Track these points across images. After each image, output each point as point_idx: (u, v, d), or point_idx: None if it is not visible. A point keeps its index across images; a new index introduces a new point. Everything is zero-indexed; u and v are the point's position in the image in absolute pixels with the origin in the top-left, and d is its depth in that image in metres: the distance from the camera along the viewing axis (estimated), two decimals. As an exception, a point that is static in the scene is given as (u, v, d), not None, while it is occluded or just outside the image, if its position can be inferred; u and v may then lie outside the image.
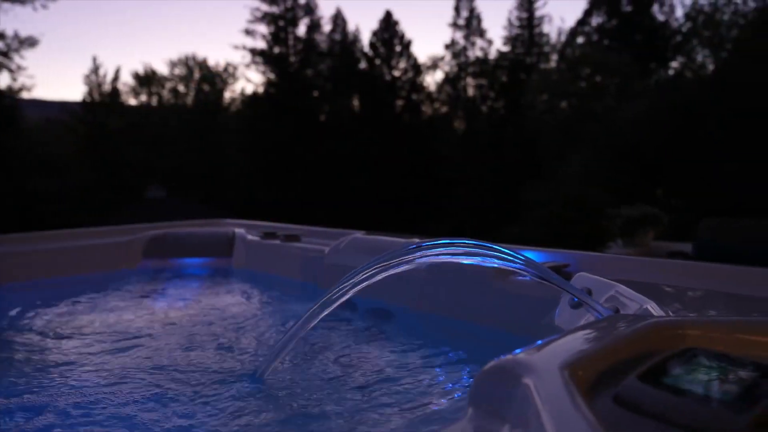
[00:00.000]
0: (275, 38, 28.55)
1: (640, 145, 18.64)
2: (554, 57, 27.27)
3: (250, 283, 2.68)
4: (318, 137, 28.15)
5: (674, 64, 23.78)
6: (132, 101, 32.48)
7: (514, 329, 1.71)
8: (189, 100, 33.31)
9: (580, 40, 25.35)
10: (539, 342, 0.91)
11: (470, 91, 29.76)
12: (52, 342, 1.86)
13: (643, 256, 1.95)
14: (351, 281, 1.36)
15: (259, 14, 28.39)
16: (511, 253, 1.45)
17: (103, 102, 29.69)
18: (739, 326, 0.91)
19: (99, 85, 29.78)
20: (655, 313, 1.16)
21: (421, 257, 1.30)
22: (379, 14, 34.84)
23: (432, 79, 48.04)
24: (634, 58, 22.12)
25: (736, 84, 18.05)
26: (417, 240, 2.16)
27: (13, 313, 2.23)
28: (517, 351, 0.86)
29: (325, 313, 1.36)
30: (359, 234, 2.46)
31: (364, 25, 44.08)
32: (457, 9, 28.73)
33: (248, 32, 28.80)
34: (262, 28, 28.77)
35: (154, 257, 3.03)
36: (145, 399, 1.33)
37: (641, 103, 19.66)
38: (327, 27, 29.96)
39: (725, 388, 0.70)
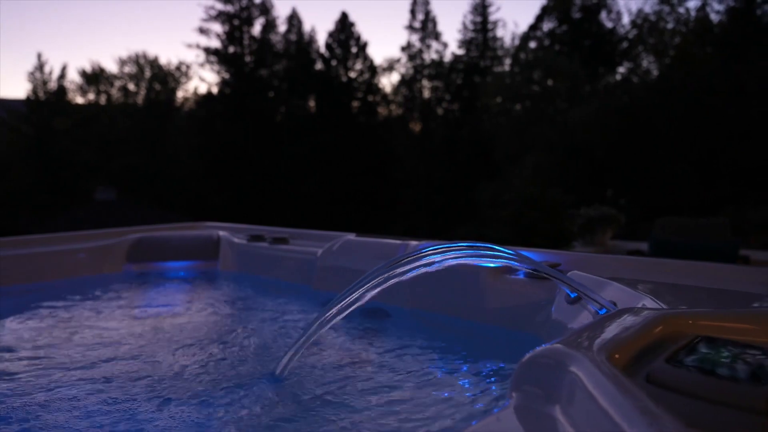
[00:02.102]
0: (230, 37, 28.18)
1: (590, 147, 19.30)
2: (508, 61, 27.89)
3: (242, 285, 2.72)
4: (273, 138, 27.93)
5: (621, 69, 24.72)
6: (79, 100, 31.45)
7: (512, 325, 1.83)
8: (139, 99, 32.49)
9: (532, 44, 26.02)
10: (569, 333, 1.02)
11: (426, 93, 30.11)
12: (46, 349, 1.82)
13: (622, 255, 2.10)
14: (370, 283, 1.44)
15: (213, 13, 27.99)
16: (512, 253, 1.56)
17: (48, 100, 28.63)
18: (736, 317, 1.05)
19: (44, 83, 28.72)
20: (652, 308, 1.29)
21: (441, 260, 1.39)
22: (335, 15, 34.85)
23: (388, 81, 48.35)
24: (583, 63, 22.89)
25: (678, 89, 18.92)
26: (414, 242, 2.27)
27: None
28: (554, 342, 0.97)
29: (346, 313, 1.44)
30: (351, 236, 2.54)
31: (320, 26, 43.95)
32: (412, 12, 29.02)
33: (202, 31, 28.34)
34: (217, 27, 28.38)
35: (138, 261, 3.03)
36: (160, 401, 1.37)
37: (591, 106, 20.36)
38: (282, 27, 29.79)
39: (741, 367, 0.83)
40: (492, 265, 1.83)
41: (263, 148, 27.43)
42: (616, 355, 0.88)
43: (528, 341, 1.76)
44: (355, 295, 1.44)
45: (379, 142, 29.02)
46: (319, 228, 3.15)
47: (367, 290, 1.42)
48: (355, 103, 30.28)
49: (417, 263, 1.47)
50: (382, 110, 31.38)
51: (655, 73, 23.29)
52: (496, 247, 1.56)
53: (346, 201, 27.38)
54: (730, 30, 19.39)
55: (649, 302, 1.35)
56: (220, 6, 28.02)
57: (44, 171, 26.97)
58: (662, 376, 0.84)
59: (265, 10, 28.85)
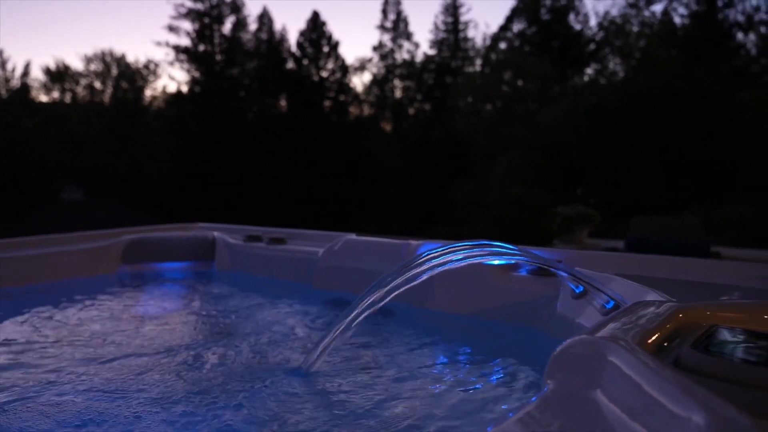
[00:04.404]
0: (200, 36, 27.82)
1: (561, 147, 19.67)
2: (479, 61, 28.21)
3: (242, 285, 2.75)
4: (245, 137, 27.69)
5: (589, 70, 25.23)
6: (43, 98, 30.70)
7: (517, 321, 1.91)
8: (106, 97, 31.88)
9: (502, 45, 26.36)
10: (595, 324, 1.10)
11: (397, 93, 30.23)
12: (45, 351, 1.80)
13: (618, 253, 2.20)
14: (393, 283, 1.50)
15: (183, 10, 27.59)
16: (517, 251, 1.64)
17: (11, 99, 27.86)
18: (747, 308, 1.14)
19: (7, 81, 27.96)
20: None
21: (460, 259, 1.46)
22: (307, 14, 34.72)
23: (359, 81, 48.35)
24: (553, 64, 23.28)
25: (643, 90, 19.42)
26: (414, 242, 2.33)
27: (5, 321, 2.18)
28: (582, 333, 1.05)
29: (368, 312, 1.49)
30: (352, 236, 2.59)
31: (291, 25, 43.56)
32: (384, 12, 29.11)
33: (171, 29, 27.93)
34: (187, 25, 28.00)
35: (133, 262, 3.03)
36: (185, 399, 1.39)
37: (560, 107, 20.74)
38: (253, 26, 29.55)
39: (758, 352, 0.92)
40: (499, 262, 1.92)
41: (235, 148, 27.17)
42: (647, 342, 0.96)
43: (534, 336, 1.85)
44: (377, 295, 1.49)
45: (352, 142, 29.03)
46: (293, 227, 3.22)
47: (390, 291, 1.47)
48: (327, 103, 30.21)
49: (434, 263, 1.54)
50: (353, 110, 31.41)
51: (621, 74, 23.84)
52: (506, 245, 1.63)
53: (318, 200, 27.32)
54: (694, 33, 19.98)
55: (653, 295, 1.45)
56: (189, 4, 27.69)
57: (8, 171, 26.20)
58: (690, 361, 0.92)
59: (236, 8, 28.59)
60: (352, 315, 1.49)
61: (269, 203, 26.29)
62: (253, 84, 29.63)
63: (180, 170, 27.48)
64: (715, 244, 6.11)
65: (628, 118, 19.34)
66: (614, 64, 24.54)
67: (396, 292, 1.47)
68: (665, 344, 1.04)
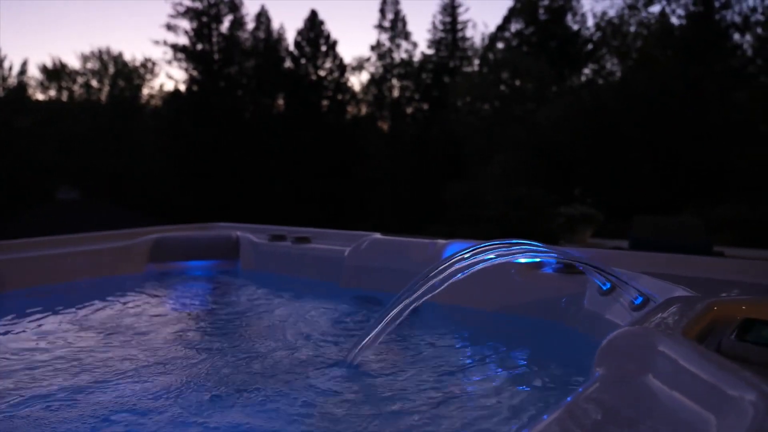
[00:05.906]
0: (198, 34, 27.84)
1: (558, 147, 19.79)
2: (476, 61, 28.32)
3: (269, 283, 2.82)
4: (242, 137, 27.73)
5: (586, 70, 25.38)
6: (40, 96, 30.65)
7: (545, 317, 2.01)
8: (103, 96, 31.85)
9: (500, 45, 26.48)
10: (636, 318, 1.20)
11: (395, 93, 30.31)
12: (93, 350, 1.83)
13: (629, 251, 2.30)
14: (433, 280, 1.59)
15: (181, 9, 27.62)
16: (544, 249, 1.74)
17: (8, 97, 27.80)
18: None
19: (3, 79, 27.90)
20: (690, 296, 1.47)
21: (496, 258, 1.55)
22: (304, 14, 34.75)
23: (357, 80, 48.38)
24: (550, 64, 23.42)
25: (640, 90, 19.56)
26: (441, 241, 2.43)
27: (32, 318, 2.19)
28: (625, 326, 1.14)
29: (413, 307, 1.58)
30: (377, 235, 2.68)
31: (289, 25, 43.57)
32: (382, 11, 29.17)
33: (170, 27, 27.93)
34: (185, 24, 28.02)
35: (160, 261, 3.11)
36: (237, 391, 1.47)
37: (557, 107, 20.86)
38: (251, 25, 29.60)
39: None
40: (525, 260, 2.01)
41: (232, 147, 27.21)
42: (688, 333, 1.06)
43: (561, 331, 1.94)
44: (418, 293, 1.58)
45: (349, 141, 29.11)
46: (289, 226, 3.34)
47: (428, 289, 1.56)
48: (325, 102, 30.29)
49: (472, 260, 1.63)
50: (351, 109, 31.49)
51: (618, 74, 24.01)
52: (535, 243, 1.73)
53: (315, 199, 27.38)
54: (690, 34, 20.14)
55: (681, 291, 1.54)
56: (188, 2, 27.72)
57: (3, 170, 26.15)
58: (732, 349, 1.02)
59: (234, 7, 28.62)
60: (395, 312, 1.58)
61: (266, 202, 26.34)
62: (250, 83, 29.68)
63: (177, 169, 27.49)
64: (715, 244, 6.22)
65: (625, 118, 19.49)
66: (611, 64, 24.73)
67: (437, 290, 1.55)
68: (704, 335, 1.14)
